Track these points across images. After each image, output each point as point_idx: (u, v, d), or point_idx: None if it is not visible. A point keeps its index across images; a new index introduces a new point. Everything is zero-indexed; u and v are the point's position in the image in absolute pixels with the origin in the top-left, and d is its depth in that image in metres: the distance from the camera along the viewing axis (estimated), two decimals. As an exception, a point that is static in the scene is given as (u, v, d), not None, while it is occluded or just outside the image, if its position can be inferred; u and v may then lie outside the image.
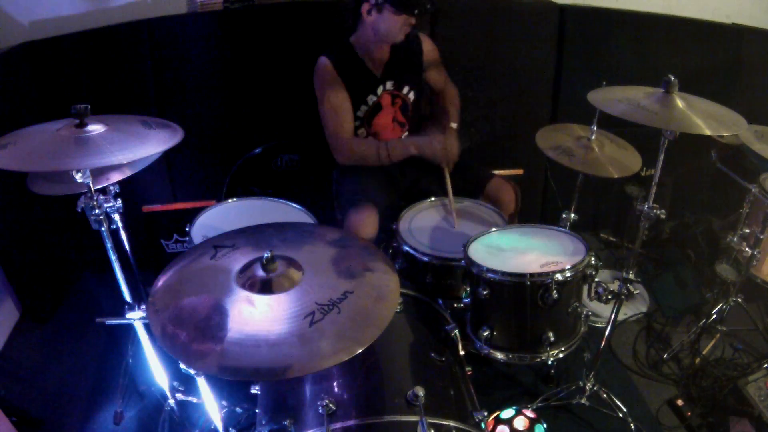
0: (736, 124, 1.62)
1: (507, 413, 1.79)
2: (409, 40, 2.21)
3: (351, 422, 1.28)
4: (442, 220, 2.09)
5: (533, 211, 3.15)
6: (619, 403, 2.05)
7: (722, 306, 2.39)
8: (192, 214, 1.99)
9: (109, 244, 1.55)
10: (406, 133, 2.34)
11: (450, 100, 2.36)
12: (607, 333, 1.98)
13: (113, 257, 1.58)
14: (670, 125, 1.55)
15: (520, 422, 1.76)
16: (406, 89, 2.26)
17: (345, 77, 2.12)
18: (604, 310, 2.53)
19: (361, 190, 2.17)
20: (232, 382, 1.98)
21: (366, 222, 2.01)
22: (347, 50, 2.16)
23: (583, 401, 2.06)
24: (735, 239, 2.29)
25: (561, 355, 1.72)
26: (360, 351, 1.07)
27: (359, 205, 2.05)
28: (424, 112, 2.44)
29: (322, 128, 2.23)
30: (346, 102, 2.15)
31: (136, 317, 1.66)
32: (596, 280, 1.76)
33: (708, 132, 1.52)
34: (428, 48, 2.29)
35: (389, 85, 2.21)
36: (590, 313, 1.84)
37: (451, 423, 1.33)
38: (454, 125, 2.29)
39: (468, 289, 1.77)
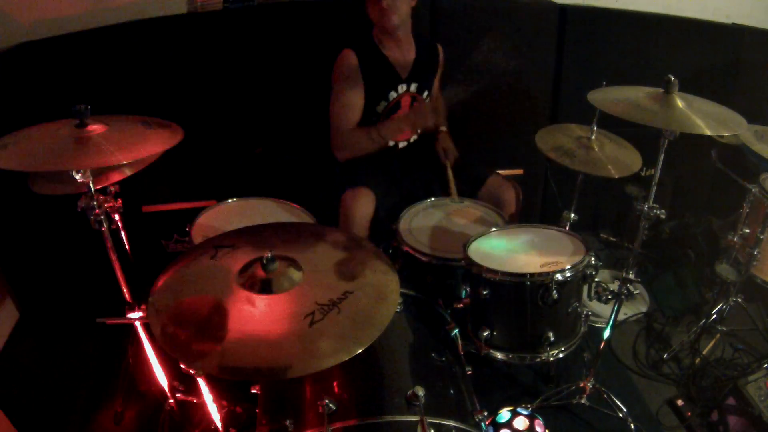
0: (736, 124, 1.62)
1: (504, 416, 1.77)
2: (428, 47, 2.27)
3: (351, 422, 1.28)
4: (442, 220, 2.09)
5: (533, 211, 3.15)
6: (619, 403, 2.05)
7: (722, 306, 2.39)
8: (192, 214, 1.99)
9: (109, 244, 1.55)
10: (415, 137, 2.36)
11: (438, 106, 2.36)
12: (607, 333, 1.98)
13: (113, 257, 1.58)
14: (670, 125, 1.55)
15: (520, 422, 1.75)
16: (425, 93, 2.29)
17: (367, 71, 2.13)
18: (604, 310, 2.53)
19: (359, 174, 2.18)
20: (232, 382, 1.98)
21: (361, 201, 2.02)
22: (371, 44, 2.18)
23: (583, 401, 2.06)
24: (735, 239, 2.29)
25: (561, 355, 1.72)
26: (360, 351, 1.07)
27: (354, 186, 2.07)
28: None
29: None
30: (360, 100, 2.17)
31: (136, 317, 1.66)
32: (596, 280, 1.76)
33: (708, 132, 1.52)
34: (442, 56, 2.35)
35: (413, 87, 2.24)
36: (590, 313, 1.84)
37: (451, 423, 1.33)
38: (443, 128, 2.38)
39: (468, 289, 1.77)
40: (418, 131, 2.36)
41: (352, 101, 2.16)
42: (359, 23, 2.19)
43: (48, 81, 2.49)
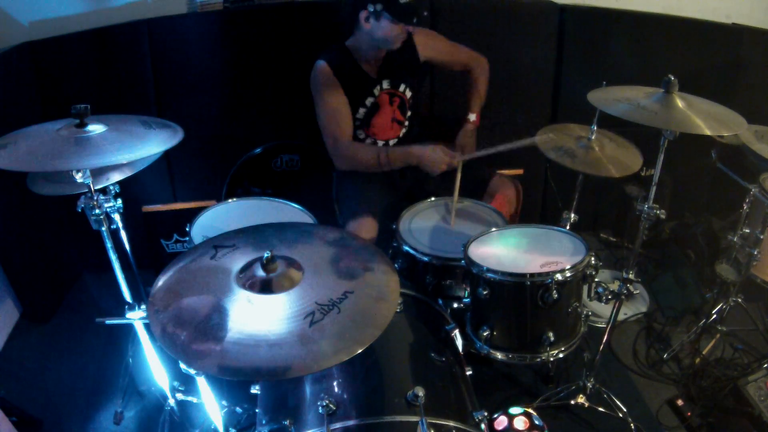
0: (736, 124, 1.62)
1: (515, 411, 1.78)
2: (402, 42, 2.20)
3: (351, 422, 1.28)
4: (442, 220, 2.09)
5: (533, 211, 3.15)
6: (619, 403, 2.05)
7: (722, 306, 2.39)
8: (192, 214, 1.99)
9: (109, 244, 1.55)
10: (404, 130, 2.34)
11: (472, 85, 2.33)
12: (607, 333, 1.98)
13: (113, 257, 1.59)
14: (670, 125, 1.55)
15: (520, 422, 1.75)
16: (402, 87, 2.26)
17: (342, 80, 2.12)
18: (604, 310, 2.53)
19: (360, 199, 2.17)
20: (232, 382, 1.98)
21: (364, 232, 2.04)
22: (344, 54, 2.16)
23: (583, 401, 2.06)
24: (735, 239, 2.29)
25: (561, 355, 1.72)
26: (360, 351, 1.07)
27: (357, 216, 2.07)
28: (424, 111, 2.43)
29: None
30: (345, 105, 2.15)
31: (136, 317, 1.66)
32: (596, 280, 1.76)
33: (708, 132, 1.52)
34: (422, 40, 2.26)
35: (386, 84, 2.21)
36: (590, 313, 1.84)
37: (451, 423, 1.33)
38: (471, 117, 2.28)
39: (468, 289, 1.77)
40: (406, 123, 2.33)
41: (340, 109, 2.14)
42: (331, 31, 2.17)
43: (48, 81, 2.49)
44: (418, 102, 2.36)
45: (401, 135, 2.34)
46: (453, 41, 2.36)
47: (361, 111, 2.21)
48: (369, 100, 2.20)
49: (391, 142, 2.32)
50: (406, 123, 2.33)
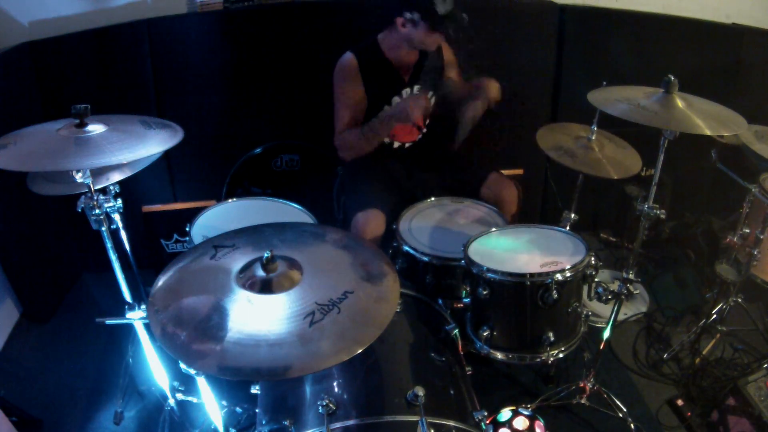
0: (736, 124, 1.62)
1: (504, 416, 1.78)
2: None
3: (351, 422, 1.28)
4: (442, 220, 2.09)
5: (533, 211, 3.15)
6: (619, 403, 2.05)
7: (722, 306, 2.39)
8: (192, 214, 1.99)
9: (109, 244, 1.55)
10: (420, 136, 2.35)
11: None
12: (607, 333, 1.98)
13: (113, 257, 1.58)
14: (670, 125, 1.55)
15: (519, 422, 1.75)
16: (429, 94, 2.27)
17: (369, 77, 2.12)
18: (604, 310, 2.53)
19: (368, 192, 2.17)
20: (232, 382, 1.98)
21: (373, 224, 2.01)
22: (374, 49, 2.16)
23: (583, 401, 2.06)
24: (735, 239, 2.29)
25: (561, 355, 1.72)
26: (360, 351, 1.07)
27: (366, 208, 2.05)
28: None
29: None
30: (361, 102, 2.15)
31: (136, 317, 1.66)
32: (596, 280, 1.76)
33: (708, 132, 1.52)
34: (447, 51, 2.30)
35: (416, 89, 2.22)
36: (590, 313, 1.84)
37: (451, 423, 1.33)
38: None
39: (468, 289, 1.77)
40: (424, 130, 2.34)
41: (351, 104, 2.14)
42: (362, 27, 2.16)
43: (48, 81, 2.49)
44: (436, 110, 2.36)
45: (417, 140, 2.35)
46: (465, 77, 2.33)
47: (386, 109, 2.20)
48: (396, 100, 2.19)
49: (407, 145, 2.34)
50: (424, 130, 2.34)
